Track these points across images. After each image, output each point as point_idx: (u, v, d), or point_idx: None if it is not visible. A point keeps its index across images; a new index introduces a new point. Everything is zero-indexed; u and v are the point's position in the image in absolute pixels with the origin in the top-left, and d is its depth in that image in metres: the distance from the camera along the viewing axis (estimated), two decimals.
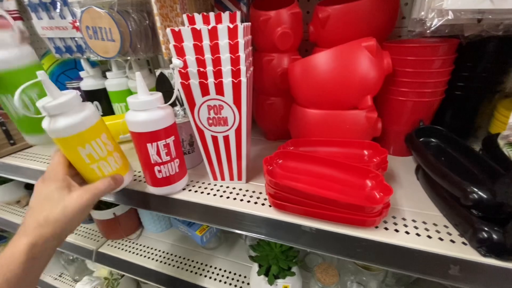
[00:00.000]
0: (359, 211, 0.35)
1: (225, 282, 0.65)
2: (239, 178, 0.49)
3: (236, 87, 0.38)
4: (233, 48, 0.36)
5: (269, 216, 0.41)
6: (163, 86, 0.51)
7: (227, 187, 0.48)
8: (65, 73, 0.85)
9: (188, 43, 0.36)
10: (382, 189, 0.37)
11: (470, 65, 0.48)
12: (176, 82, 0.38)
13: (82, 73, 0.73)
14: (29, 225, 0.35)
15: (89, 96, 0.74)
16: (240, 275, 0.67)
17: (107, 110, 0.75)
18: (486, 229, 0.32)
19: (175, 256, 0.74)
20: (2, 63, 0.48)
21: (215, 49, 0.36)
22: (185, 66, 0.37)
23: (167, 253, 0.75)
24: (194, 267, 0.70)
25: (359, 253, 0.36)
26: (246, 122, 0.42)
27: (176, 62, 0.36)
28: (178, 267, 0.70)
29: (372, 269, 0.54)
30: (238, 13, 0.39)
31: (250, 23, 0.45)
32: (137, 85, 0.40)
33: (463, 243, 0.34)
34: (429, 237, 0.35)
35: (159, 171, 0.44)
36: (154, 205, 0.48)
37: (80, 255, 0.80)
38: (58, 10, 0.65)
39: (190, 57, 0.37)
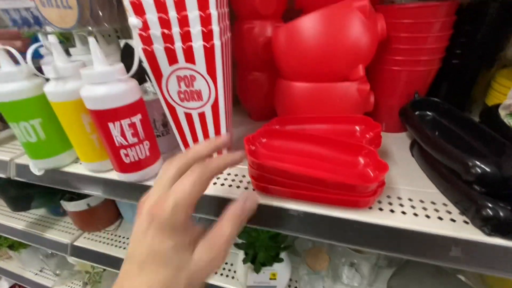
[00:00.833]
0: (351, 191, 0.31)
1: None
2: None
3: (209, 53, 0.33)
4: (203, 4, 0.30)
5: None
6: (129, 58, 0.44)
7: None
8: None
9: None
10: (376, 166, 0.33)
11: (469, 29, 0.44)
12: (137, 48, 0.32)
13: (42, 50, 0.65)
14: None
15: None
16: (226, 263, 0.63)
17: None
18: (490, 205, 0.28)
19: None
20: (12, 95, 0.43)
21: (180, 5, 0.30)
22: (146, 27, 0.31)
23: None
24: None
25: (351, 237, 0.33)
26: (224, 96, 0.37)
27: (134, 21, 0.29)
28: None
29: (364, 251, 0.52)
30: None
31: None
32: (92, 53, 0.34)
33: (465, 221, 0.30)
34: (428, 216, 0.31)
35: (126, 155, 0.38)
36: (123, 193, 0.43)
37: (55, 250, 0.74)
38: None
39: (151, 16, 0.31)
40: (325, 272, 0.50)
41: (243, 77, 0.55)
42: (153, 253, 0.22)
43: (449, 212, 0.32)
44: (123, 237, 0.73)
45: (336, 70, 0.41)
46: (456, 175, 0.32)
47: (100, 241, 0.72)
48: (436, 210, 0.32)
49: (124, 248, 0.70)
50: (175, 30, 0.31)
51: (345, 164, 0.37)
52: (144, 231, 0.22)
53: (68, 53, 0.64)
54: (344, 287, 0.54)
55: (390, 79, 0.46)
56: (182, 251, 0.22)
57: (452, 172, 0.33)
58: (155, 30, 0.31)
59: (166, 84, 0.35)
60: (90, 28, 0.52)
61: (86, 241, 0.73)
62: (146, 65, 0.34)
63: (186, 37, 0.32)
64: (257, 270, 0.48)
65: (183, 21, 0.31)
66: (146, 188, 0.42)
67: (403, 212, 0.32)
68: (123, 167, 0.40)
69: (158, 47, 0.32)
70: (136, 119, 0.37)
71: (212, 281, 0.58)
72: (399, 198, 0.35)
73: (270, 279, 0.49)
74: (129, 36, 0.77)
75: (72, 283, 0.95)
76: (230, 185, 0.40)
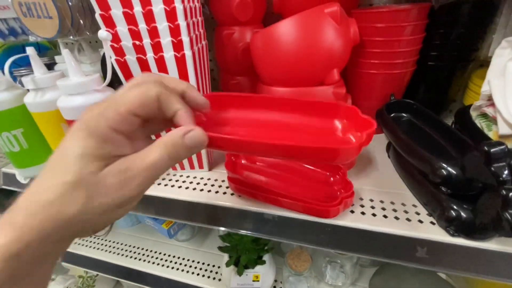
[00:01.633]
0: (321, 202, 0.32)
1: (197, 274, 0.62)
2: (200, 166, 0.45)
3: (181, 63, 0.33)
4: (171, 15, 0.30)
5: (230, 205, 0.37)
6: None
7: (187, 176, 0.44)
8: (14, 61, 0.76)
9: (117, 11, 0.30)
10: (343, 185, 0.34)
11: (443, 31, 0.44)
12: (108, 59, 0.33)
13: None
14: (19, 210, 0.17)
15: None
16: (214, 266, 0.64)
17: None
18: (454, 207, 0.29)
19: (146, 250, 0.70)
20: None
21: (149, 17, 0.31)
22: (118, 39, 0.32)
23: (138, 248, 0.71)
24: (166, 260, 0.67)
25: (323, 239, 0.34)
26: None
27: (103, 34, 0.30)
28: (149, 261, 0.67)
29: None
30: None
31: None
32: (67, 64, 0.35)
33: (432, 222, 0.31)
34: (397, 218, 0.32)
35: None
36: None
37: None
38: None
39: (122, 28, 0.31)
40: (309, 273, 0.51)
41: (226, 81, 0.56)
42: (60, 154, 0.19)
43: (418, 214, 0.33)
44: (114, 242, 0.74)
45: (311, 75, 0.42)
46: (426, 176, 0.33)
47: (90, 246, 0.73)
48: (406, 212, 0.33)
49: (115, 253, 0.70)
50: (146, 41, 0.32)
51: (316, 180, 0.37)
52: (70, 130, 0.19)
53: (53, 61, 0.65)
54: (328, 287, 0.55)
55: (366, 82, 0.47)
56: (88, 161, 0.18)
57: (421, 174, 0.34)
58: (126, 42, 0.32)
59: None
60: (71, 37, 0.53)
61: (77, 247, 0.73)
62: (120, 75, 0.35)
63: (157, 47, 0.32)
64: (239, 273, 0.49)
65: (153, 32, 0.31)
66: None
67: (374, 214, 0.33)
68: None
69: (131, 58, 0.33)
70: None
71: (198, 283, 0.59)
72: (371, 200, 0.35)
73: (253, 280, 0.50)
74: None
75: (66, 287, 0.95)
76: (209, 190, 0.40)
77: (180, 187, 0.42)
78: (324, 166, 0.38)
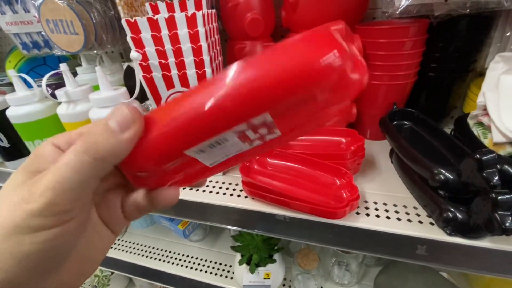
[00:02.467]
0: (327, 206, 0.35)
1: (210, 273, 0.65)
2: None
3: (202, 79, 0.37)
4: (194, 38, 0.34)
5: (243, 207, 0.40)
6: (131, 79, 0.49)
7: None
8: (34, 70, 0.81)
9: (146, 34, 0.34)
10: (350, 189, 0.37)
11: (442, 45, 0.47)
12: (138, 75, 0.37)
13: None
14: None
15: None
16: (225, 265, 0.67)
17: None
18: (451, 209, 0.32)
19: (161, 250, 0.74)
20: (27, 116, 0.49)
21: (174, 39, 0.34)
22: (146, 58, 0.36)
23: (153, 248, 0.75)
24: (180, 259, 0.70)
25: (331, 239, 0.37)
26: None
27: (134, 55, 0.34)
28: (164, 260, 0.70)
29: (350, 251, 0.55)
30: (204, 0, 0.38)
31: (214, 10, 0.43)
32: (98, 80, 0.39)
33: (431, 223, 0.34)
34: (399, 219, 0.35)
35: None
36: None
37: None
38: (19, 4, 0.62)
39: (150, 48, 0.35)
40: (316, 271, 0.54)
41: None
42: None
43: (418, 215, 0.36)
44: (130, 242, 0.78)
45: None
46: (425, 181, 0.36)
47: None
48: (407, 213, 0.36)
49: (131, 253, 0.74)
50: (171, 60, 0.36)
51: (324, 184, 0.40)
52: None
53: (74, 72, 0.69)
54: (335, 285, 0.58)
55: (370, 92, 0.50)
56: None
57: (422, 178, 0.37)
58: (154, 61, 0.36)
59: None
60: (95, 51, 0.57)
61: None
62: (146, 89, 0.38)
63: (180, 65, 0.36)
64: (252, 271, 0.52)
65: (178, 52, 0.35)
66: None
67: (377, 216, 0.36)
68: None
69: (157, 75, 0.37)
70: None
71: (212, 281, 0.63)
72: (375, 203, 0.38)
73: (264, 278, 0.53)
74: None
75: (81, 286, 1.00)
76: (224, 193, 0.44)
77: (197, 190, 0.45)
78: (332, 171, 0.41)
